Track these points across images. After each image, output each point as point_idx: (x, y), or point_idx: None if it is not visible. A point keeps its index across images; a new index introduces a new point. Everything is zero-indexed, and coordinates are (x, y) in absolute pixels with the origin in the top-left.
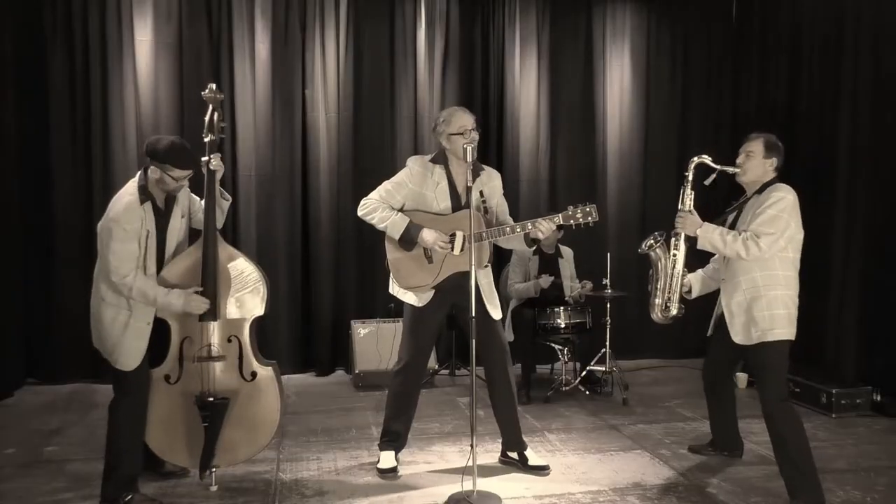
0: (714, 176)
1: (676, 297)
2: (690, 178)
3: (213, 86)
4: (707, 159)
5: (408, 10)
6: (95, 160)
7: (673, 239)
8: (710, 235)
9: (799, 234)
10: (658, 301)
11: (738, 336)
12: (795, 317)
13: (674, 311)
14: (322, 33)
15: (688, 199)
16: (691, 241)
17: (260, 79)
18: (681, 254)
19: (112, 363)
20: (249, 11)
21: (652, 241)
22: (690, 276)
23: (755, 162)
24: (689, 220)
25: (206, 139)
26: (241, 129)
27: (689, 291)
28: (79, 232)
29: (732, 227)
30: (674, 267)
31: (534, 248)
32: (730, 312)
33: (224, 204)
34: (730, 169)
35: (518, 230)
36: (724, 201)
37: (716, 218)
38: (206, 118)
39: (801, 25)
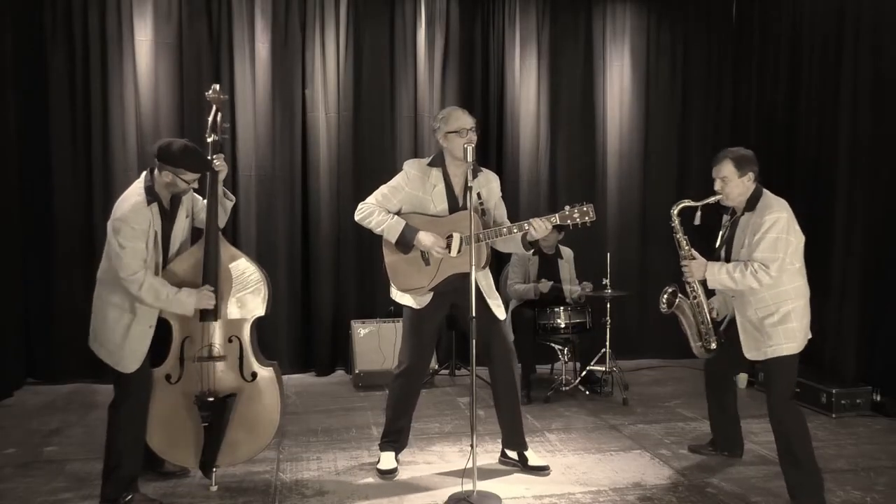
0: (699, 213)
1: (711, 329)
2: (678, 224)
3: (217, 86)
4: (687, 202)
5: (408, 10)
6: (95, 160)
7: (688, 287)
8: (720, 277)
9: (801, 243)
10: (698, 343)
11: (750, 352)
12: (808, 323)
13: (713, 345)
14: (322, 33)
15: (684, 243)
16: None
17: (260, 79)
18: (701, 294)
19: (113, 365)
20: (249, 11)
21: (669, 298)
22: (712, 299)
23: (733, 184)
24: (693, 266)
25: (209, 139)
26: (241, 129)
27: (717, 316)
28: (79, 232)
29: (729, 243)
30: (700, 308)
31: (531, 251)
32: (742, 329)
33: (227, 204)
34: (712, 199)
35: (515, 230)
36: (716, 212)
37: (713, 250)
38: (210, 118)
39: (801, 25)
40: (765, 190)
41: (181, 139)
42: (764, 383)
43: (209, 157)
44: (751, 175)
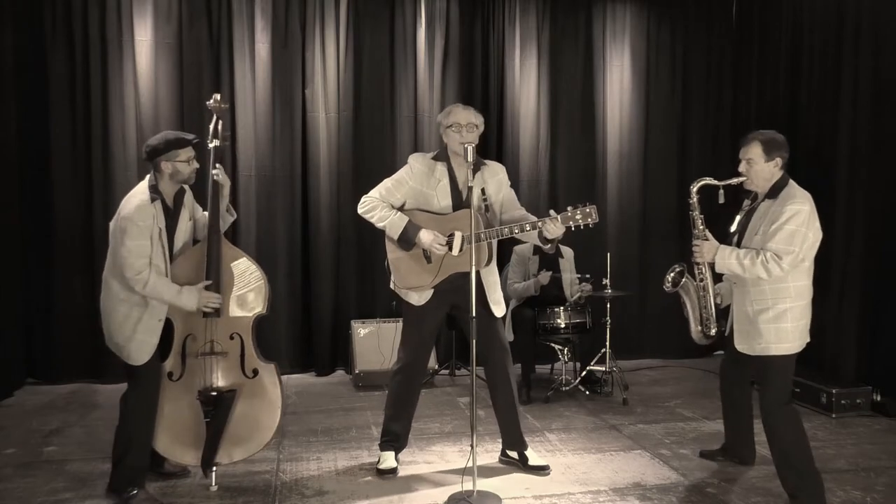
0: (722, 191)
1: (713, 314)
2: (696, 202)
3: (218, 96)
4: (709, 180)
5: (408, 10)
6: (95, 160)
7: (696, 268)
8: (728, 261)
9: (817, 240)
10: (698, 327)
11: (740, 344)
12: (807, 326)
13: (713, 331)
14: (322, 33)
15: (699, 222)
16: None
17: (260, 79)
18: (708, 277)
19: (123, 358)
20: (249, 11)
21: (675, 277)
22: (719, 285)
23: (758, 167)
24: (704, 247)
25: (211, 146)
26: (241, 129)
27: (721, 302)
28: (79, 232)
29: (744, 229)
30: (705, 292)
31: (541, 247)
32: (737, 320)
33: (228, 219)
34: (735, 180)
35: (516, 231)
36: (733, 195)
37: (728, 235)
38: (211, 127)
39: (801, 26)
40: (791, 180)
41: (157, 134)
42: (757, 381)
43: (213, 166)
44: (778, 161)
